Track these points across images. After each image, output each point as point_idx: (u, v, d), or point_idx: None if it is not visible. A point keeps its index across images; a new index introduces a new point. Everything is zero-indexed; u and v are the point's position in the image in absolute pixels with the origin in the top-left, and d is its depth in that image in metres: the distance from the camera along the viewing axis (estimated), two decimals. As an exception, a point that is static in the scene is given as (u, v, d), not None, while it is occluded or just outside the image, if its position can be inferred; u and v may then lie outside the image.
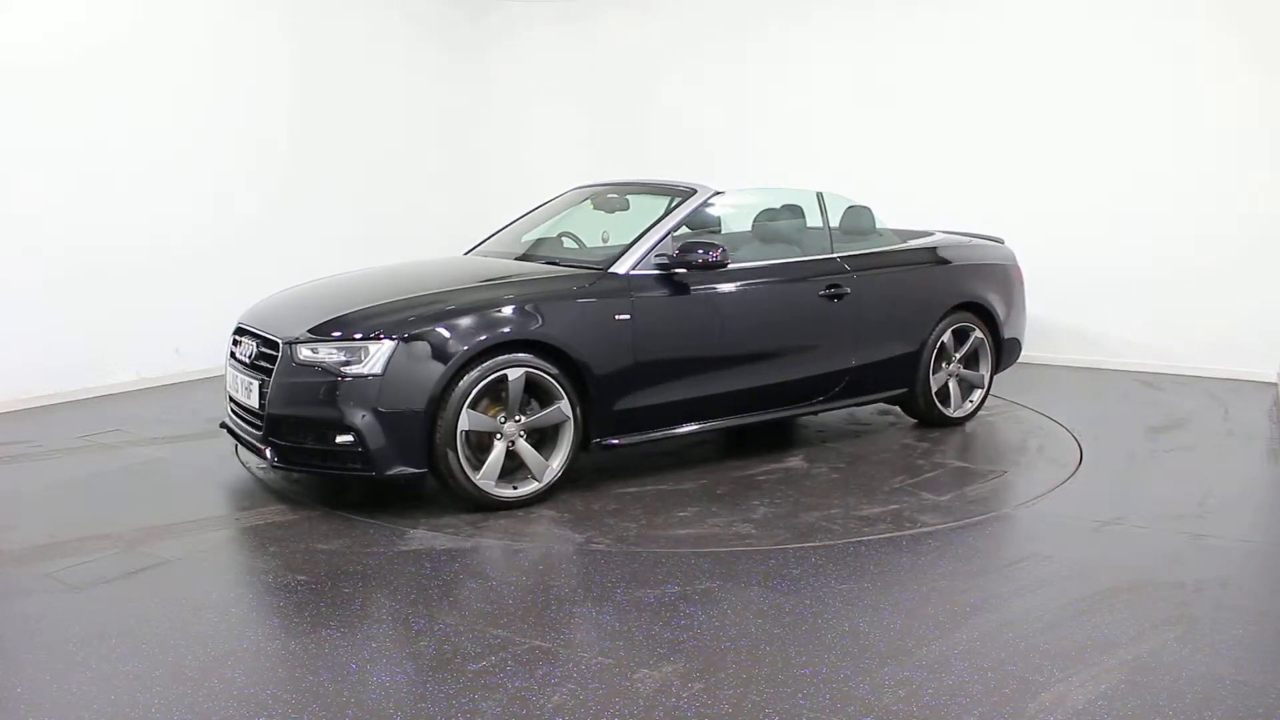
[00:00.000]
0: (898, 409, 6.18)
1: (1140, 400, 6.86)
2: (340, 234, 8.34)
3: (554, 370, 4.46)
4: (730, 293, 5.08)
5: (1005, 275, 6.27)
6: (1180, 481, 5.04)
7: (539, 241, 5.69)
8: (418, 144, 9.30)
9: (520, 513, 4.46)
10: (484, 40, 9.93)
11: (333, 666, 3.03)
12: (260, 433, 4.45)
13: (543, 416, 4.49)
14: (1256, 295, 7.33)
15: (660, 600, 3.54)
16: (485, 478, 4.38)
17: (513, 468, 4.49)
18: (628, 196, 5.68)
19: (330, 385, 4.24)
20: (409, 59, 9.20)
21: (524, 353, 4.40)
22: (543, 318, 4.49)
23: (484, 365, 4.32)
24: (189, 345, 7.12)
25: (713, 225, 5.72)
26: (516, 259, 5.37)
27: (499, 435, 4.41)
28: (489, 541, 4.14)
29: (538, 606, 3.51)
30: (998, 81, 8.08)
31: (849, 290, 5.40)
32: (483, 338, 4.33)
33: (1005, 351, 6.26)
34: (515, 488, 4.48)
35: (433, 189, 9.42)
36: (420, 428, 4.23)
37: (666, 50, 9.42)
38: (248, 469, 5.12)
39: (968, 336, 5.98)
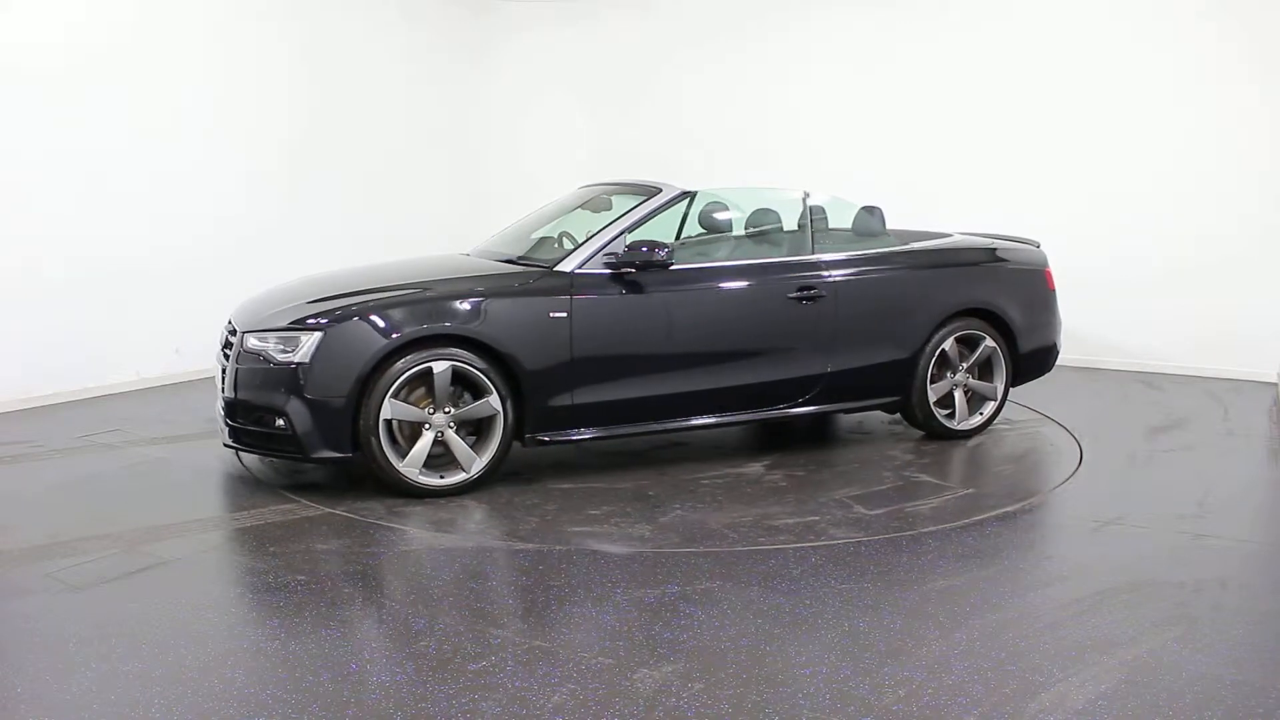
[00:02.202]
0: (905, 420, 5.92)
1: (1140, 400, 6.86)
2: (341, 234, 8.34)
3: (482, 365, 4.58)
4: (687, 293, 5.05)
5: (1026, 280, 5.89)
6: (1180, 481, 5.04)
7: (540, 241, 5.69)
8: (418, 144, 9.30)
9: (443, 501, 4.59)
10: (484, 40, 9.93)
11: (333, 666, 3.03)
12: (223, 415, 4.76)
13: (471, 409, 4.61)
14: (1256, 295, 7.34)
15: (660, 600, 3.54)
16: (409, 466, 4.54)
17: (449, 459, 4.64)
18: (612, 197, 5.66)
19: (267, 372, 4.54)
20: (409, 59, 9.20)
21: (451, 347, 4.54)
22: (472, 313, 4.62)
23: (408, 357, 4.49)
24: (189, 345, 7.12)
25: (722, 226, 5.70)
26: (512, 258, 5.32)
27: (428, 425, 4.56)
28: (486, 542, 4.14)
29: (538, 606, 3.51)
30: (997, 82, 8.09)
31: (823, 293, 5.24)
32: (403, 331, 4.50)
33: (1026, 362, 5.86)
34: (442, 477, 4.63)
35: (433, 189, 9.42)
36: (345, 415, 4.45)
37: (666, 50, 9.42)
38: (248, 469, 5.12)
39: (977, 345, 5.66)
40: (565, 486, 4.88)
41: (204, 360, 7.03)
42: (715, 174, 8.87)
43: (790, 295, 5.20)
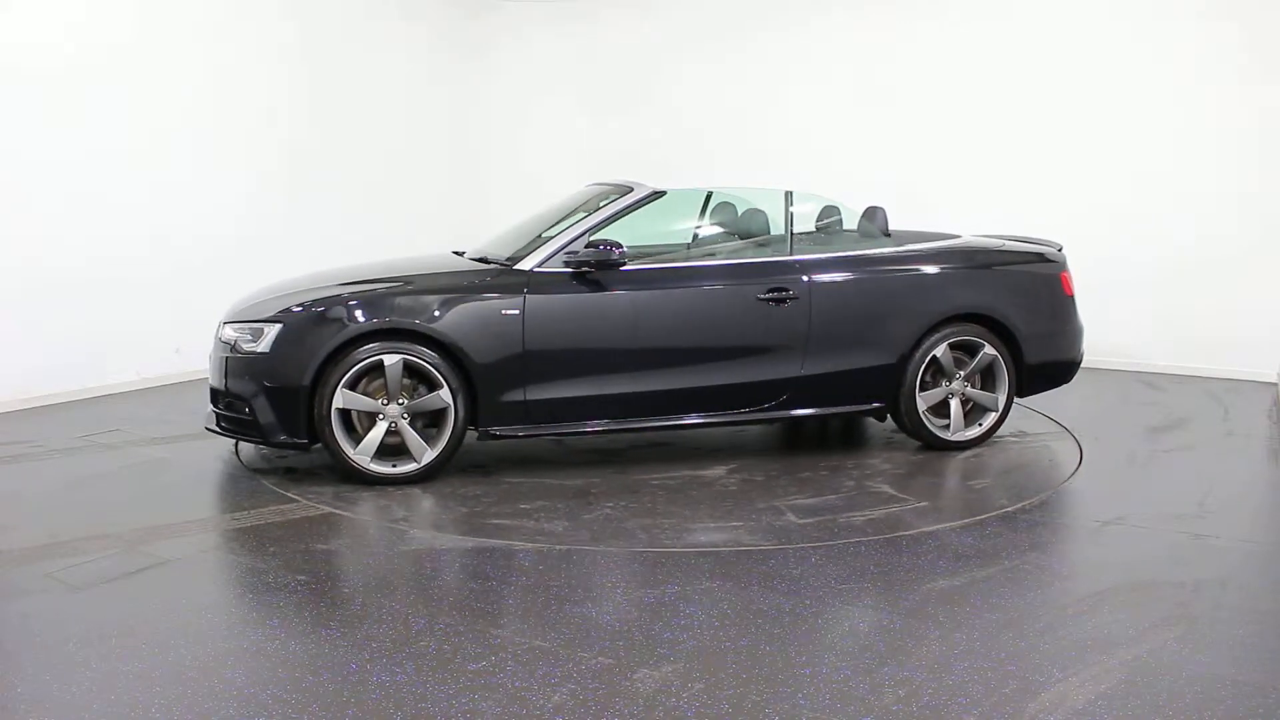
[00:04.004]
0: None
1: (1140, 400, 6.86)
2: (340, 234, 8.34)
3: (434, 358, 4.72)
4: (648, 294, 5.04)
5: (1034, 285, 5.57)
6: (1180, 481, 5.04)
7: (535, 239, 5.67)
8: (418, 144, 9.30)
9: (391, 489, 4.76)
10: (484, 39, 9.93)
11: (333, 666, 3.03)
12: (209, 401, 5.12)
13: (423, 401, 4.77)
14: (1256, 295, 7.34)
15: (660, 600, 3.54)
16: (361, 454, 4.74)
17: (405, 448, 4.81)
18: (603, 197, 5.65)
19: (234, 361, 4.85)
20: (409, 59, 9.20)
21: (403, 341, 4.71)
22: (422, 309, 4.77)
23: (360, 350, 4.69)
24: (189, 345, 7.11)
25: (729, 225, 5.67)
26: (501, 259, 5.30)
27: (382, 416, 4.74)
28: (485, 541, 4.14)
29: (537, 606, 3.51)
30: (997, 82, 8.09)
31: (796, 294, 5.11)
32: (353, 325, 4.70)
33: (1034, 373, 5.52)
34: (394, 466, 4.80)
35: (433, 189, 9.42)
36: (300, 403, 4.69)
37: (666, 50, 9.42)
38: (248, 468, 5.13)
39: (976, 352, 5.39)
40: (516, 480, 4.95)
41: (204, 360, 7.03)
42: (716, 174, 8.88)
43: (760, 297, 5.10)
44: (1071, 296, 5.68)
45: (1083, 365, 5.83)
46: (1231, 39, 7.29)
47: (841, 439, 5.86)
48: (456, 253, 5.74)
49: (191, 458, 5.33)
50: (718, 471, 5.14)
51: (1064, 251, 5.84)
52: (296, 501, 4.60)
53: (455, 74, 9.70)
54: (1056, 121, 7.90)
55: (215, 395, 5.00)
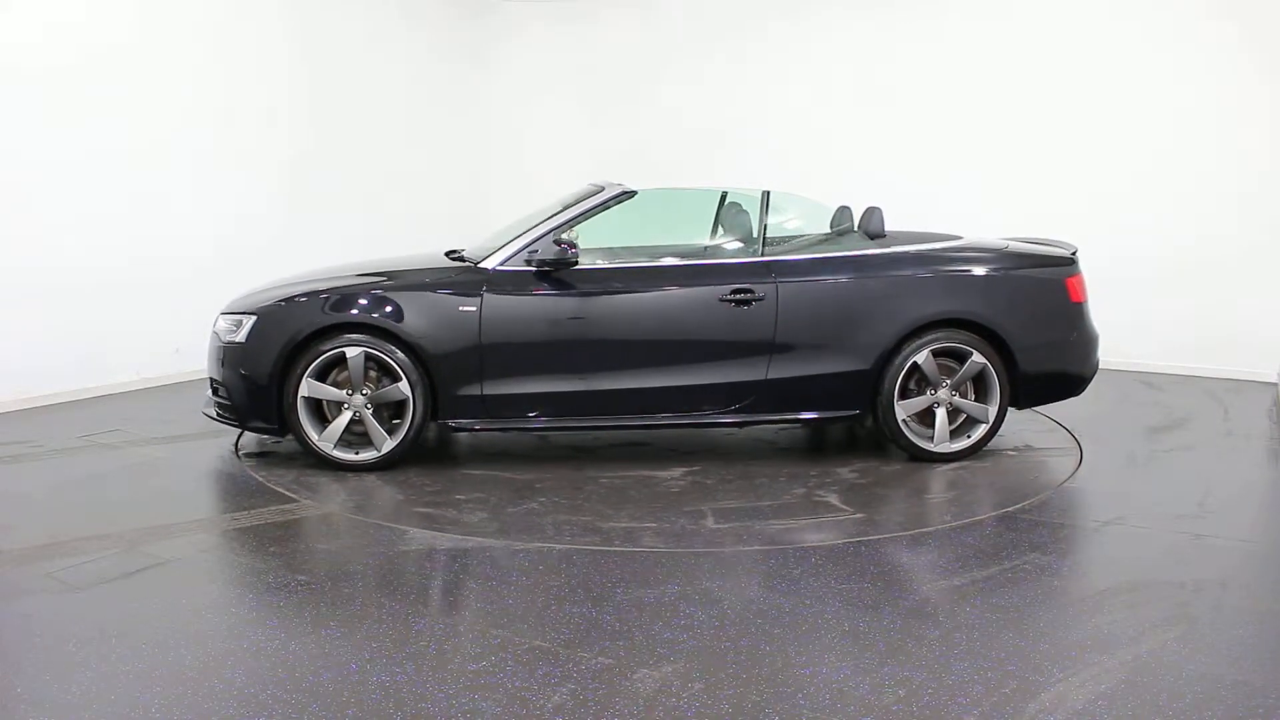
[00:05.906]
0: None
1: (1140, 400, 6.86)
2: (340, 234, 8.33)
3: (394, 351, 4.92)
4: (608, 294, 5.05)
5: (1033, 290, 5.23)
6: (1180, 481, 5.04)
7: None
8: (418, 145, 9.30)
9: (352, 475, 4.98)
10: (484, 40, 9.93)
11: (333, 666, 3.03)
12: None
13: (384, 393, 4.98)
14: (1256, 295, 7.34)
15: (660, 600, 3.54)
16: (325, 441, 4.99)
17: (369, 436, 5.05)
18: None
19: (220, 350, 5.14)
20: (409, 59, 9.20)
21: (365, 334, 4.93)
22: (383, 304, 4.97)
23: (326, 342, 4.92)
24: (189, 345, 7.11)
25: (742, 226, 5.66)
26: (473, 258, 5.32)
27: (346, 405, 4.96)
28: (486, 541, 4.14)
29: (537, 606, 3.51)
30: (997, 81, 8.09)
31: (761, 296, 5.00)
32: (318, 318, 4.93)
33: (1032, 385, 5.22)
34: (357, 453, 5.03)
35: (433, 189, 9.42)
36: (271, 391, 4.95)
37: (666, 50, 9.42)
38: (248, 468, 5.13)
39: (963, 360, 5.12)
40: (473, 472, 5.09)
41: (204, 360, 7.03)
42: (714, 173, 8.88)
43: (723, 298, 5.01)
44: (1080, 303, 5.31)
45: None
46: (1232, 39, 7.29)
47: (868, 444, 5.78)
48: (449, 253, 5.75)
49: (191, 458, 5.34)
50: (673, 473, 5.12)
51: (1078, 255, 5.47)
52: (296, 501, 4.60)
53: (455, 74, 9.70)
54: (1057, 121, 7.90)
55: (211, 383, 5.31)
